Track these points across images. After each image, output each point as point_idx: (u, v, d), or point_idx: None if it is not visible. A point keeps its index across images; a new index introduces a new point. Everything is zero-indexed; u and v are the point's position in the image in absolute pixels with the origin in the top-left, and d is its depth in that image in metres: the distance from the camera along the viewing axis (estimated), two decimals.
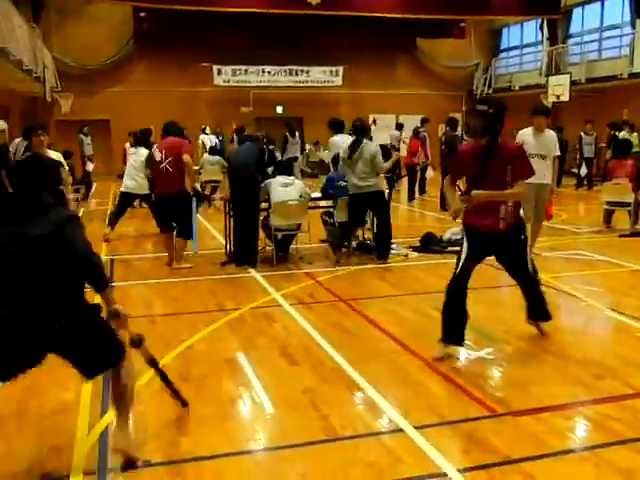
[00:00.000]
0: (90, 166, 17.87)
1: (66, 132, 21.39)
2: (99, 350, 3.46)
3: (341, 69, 26.20)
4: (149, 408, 4.23)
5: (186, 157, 8.33)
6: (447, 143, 14.07)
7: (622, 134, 17.98)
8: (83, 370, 3.49)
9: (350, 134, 9.09)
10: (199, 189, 8.89)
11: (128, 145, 13.55)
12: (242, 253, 8.46)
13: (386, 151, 9.87)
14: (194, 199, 8.87)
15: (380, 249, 8.77)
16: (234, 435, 3.88)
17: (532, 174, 5.03)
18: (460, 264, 5.05)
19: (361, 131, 8.68)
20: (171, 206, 8.36)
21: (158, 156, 8.29)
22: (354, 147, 8.50)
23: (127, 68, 24.99)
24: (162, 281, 7.84)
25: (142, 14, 23.58)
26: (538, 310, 5.59)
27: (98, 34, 23.74)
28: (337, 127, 10.20)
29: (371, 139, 9.50)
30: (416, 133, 16.52)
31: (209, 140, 18.06)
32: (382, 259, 8.66)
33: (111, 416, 4.10)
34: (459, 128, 15.23)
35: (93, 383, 4.57)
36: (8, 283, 3.20)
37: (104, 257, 9.19)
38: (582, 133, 18.51)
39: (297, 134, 18.62)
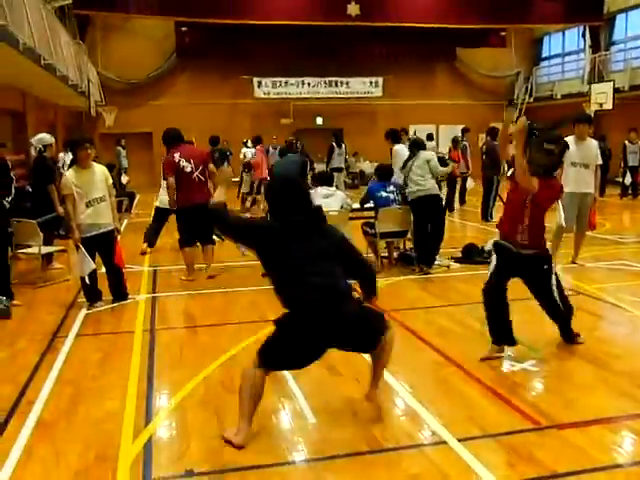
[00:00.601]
0: (125, 179, 18.18)
1: (110, 145, 21.83)
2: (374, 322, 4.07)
3: (381, 80, 26.24)
4: (193, 418, 4.27)
5: (212, 166, 8.61)
6: (488, 153, 13.94)
7: None
8: (364, 347, 4.17)
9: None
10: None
11: None
12: None
13: (443, 162, 10.15)
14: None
15: (426, 257, 8.70)
16: (277, 445, 3.90)
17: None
18: (488, 276, 5.31)
19: (415, 145, 9.04)
20: (201, 215, 8.41)
21: (189, 167, 8.27)
22: (408, 159, 8.91)
23: (169, 81, 25.45)
24: (204, 292, 7.92)
25: (184, 29, 24.05)
26: (569, 334, 5.61)
27: (141, 49, 24.26)
28: (396, 137, 10.38)
29: None
30: (455, 143, 16.42)
31: (250, 153, 18.22)
32: (426, 266, 8.62)
33: (155, 425, 4.17)
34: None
35: (138, 392, 4.66)
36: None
37: (146, 268, 9.33)
38: (626, 142, 18.19)
39: (343, 145, 18.67)
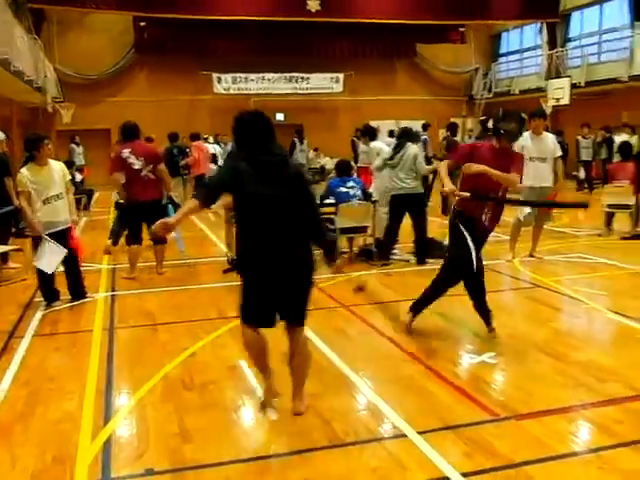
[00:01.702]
0: (78, 177, 17.81)
1: (67, 142, 21.46)
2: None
3: (341, 76, 26.27)
4: (153, 416, 4.24)
5: (163, 166, 8.52)
6: (448, 148, 14.07)
7: (622, 137, 18.01)
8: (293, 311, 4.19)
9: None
10: (174, 197, 8.86)
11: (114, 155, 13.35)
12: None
13: (427, 160, 10.30)
14: (171, 207, 8.81)
15: (419, 253, 8.94)
16: (238, 442, 3.89)
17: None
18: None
19: (405, 135, 9.09)
20: (149, 213, 8.21)
21: (137, 164, 8.12)
22: (397, 149, 8.85)
23: (128, 77, 25.12)
24: (164, 289, 7.85)
25: (142, 24, 23.74)
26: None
27: (99, 44, 23.89)
28: (373, 133, 10.34)
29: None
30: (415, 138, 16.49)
31: (213, 148, 18.08)
32: (421, 264, 8.82)
33: (114, 424, 4.12)
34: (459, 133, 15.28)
35: (96, 392, 4.61)
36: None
37: (105, 266, 9.21)
38: (579, 137, 18.57)
39: (305, 141, 18.62)
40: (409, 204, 8.76)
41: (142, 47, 24.41)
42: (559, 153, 8.73)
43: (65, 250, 6.89)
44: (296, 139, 18.47)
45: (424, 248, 8.92)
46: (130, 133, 8.38)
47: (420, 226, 8.90)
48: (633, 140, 17.81)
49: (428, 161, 10.37)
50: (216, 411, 4.30)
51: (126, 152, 8.19)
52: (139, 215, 8.27)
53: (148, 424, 4.13)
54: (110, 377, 4.97)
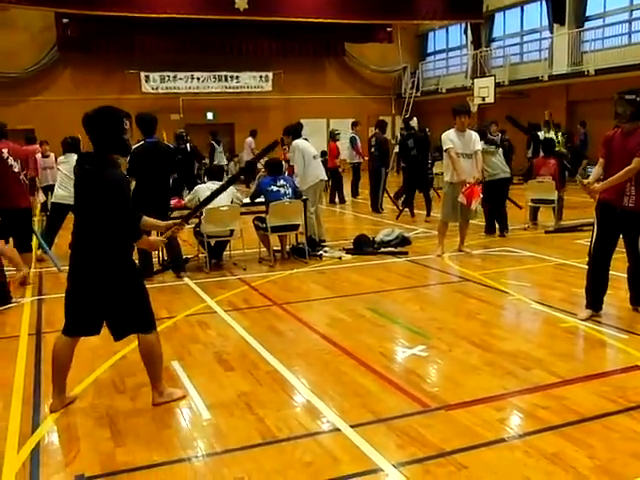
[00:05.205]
0: None
1: None
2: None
3: (271, 74, 26.26)
4: (83, 421, 4.15)
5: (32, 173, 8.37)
6: (376, 145, 14.25)
7: (545, 134, 18.57)
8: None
9: None
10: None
11: (40, 156, 12.94)
12: (172, 261, 8.35)
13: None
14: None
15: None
16: (170, 443, 3.84)
17: None
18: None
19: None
20: (24, 220, 7.92)
21: (17, 167, 7.62)
22: None
23: (51, 76, 24.42)
24: None
25: (65, 20, 23.08)
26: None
27: (19, 41, 23.15)
28: (296, 132, 10.29)
29: None
30: (333, 136, 16.91)
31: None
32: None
33: (43, 431, 4.02)
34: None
35: (24, 398, 4.49)
36: None
37: (32, 269, 8.93)
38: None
39: (221, 143, 18.64)
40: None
41: (65, 45, 23.77)
42: (478, 147, 8.89)
43: None
44: (213, 142, 18.38)
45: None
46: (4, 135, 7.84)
47: None
48: (559, 137, 18.44)
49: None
50: (149, 413, 4.24)
51: (6, 152, 7.57)
52: (16, 222, 7.75)
53: (78, 429, 4.04)
54: (38, 383, 4.83)
